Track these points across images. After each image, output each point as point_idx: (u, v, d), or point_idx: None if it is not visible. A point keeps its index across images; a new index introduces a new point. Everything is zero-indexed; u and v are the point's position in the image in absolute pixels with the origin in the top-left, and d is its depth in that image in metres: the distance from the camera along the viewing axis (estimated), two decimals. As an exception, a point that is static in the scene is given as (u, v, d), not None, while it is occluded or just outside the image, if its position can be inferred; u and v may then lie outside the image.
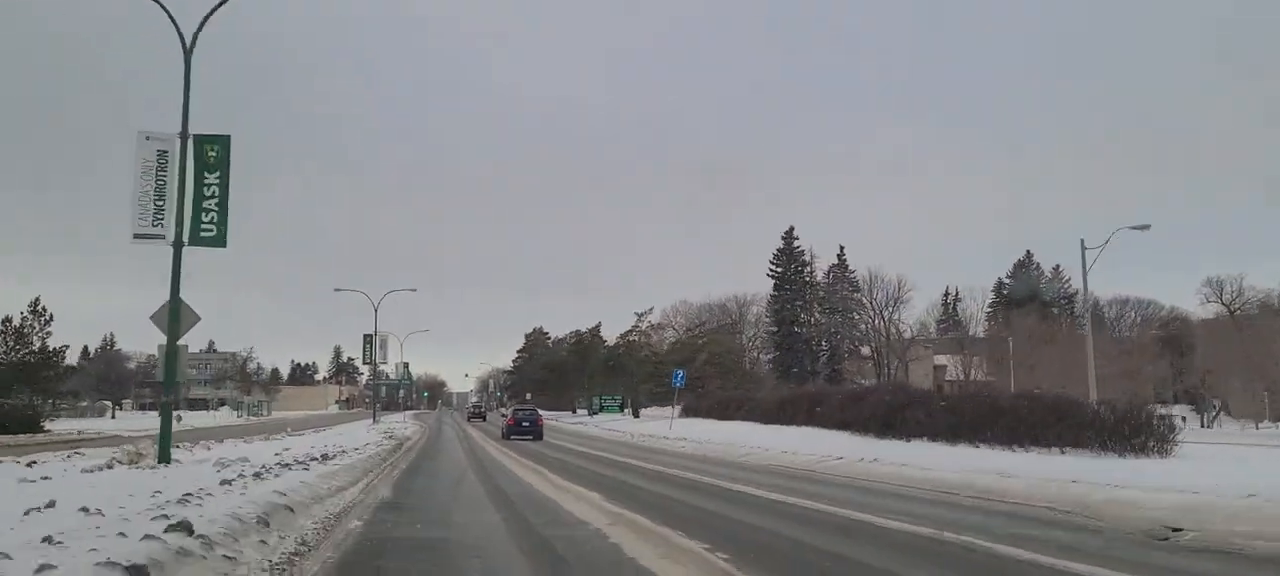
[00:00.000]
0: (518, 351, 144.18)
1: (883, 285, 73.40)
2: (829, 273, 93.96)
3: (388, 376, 73.89)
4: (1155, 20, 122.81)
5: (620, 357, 68.46)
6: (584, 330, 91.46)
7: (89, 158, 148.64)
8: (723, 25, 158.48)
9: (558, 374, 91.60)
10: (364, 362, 62.13)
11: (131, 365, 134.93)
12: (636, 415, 66.67)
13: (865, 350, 78.79)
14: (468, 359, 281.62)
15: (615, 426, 53.49)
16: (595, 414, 73.45)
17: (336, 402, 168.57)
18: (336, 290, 61.95)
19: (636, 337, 69.41)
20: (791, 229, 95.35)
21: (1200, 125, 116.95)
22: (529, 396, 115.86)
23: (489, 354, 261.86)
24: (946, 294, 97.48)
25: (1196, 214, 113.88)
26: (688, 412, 47.55)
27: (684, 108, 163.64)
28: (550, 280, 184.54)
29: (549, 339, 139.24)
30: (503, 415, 61.94)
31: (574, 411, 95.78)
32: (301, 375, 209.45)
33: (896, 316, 74.46)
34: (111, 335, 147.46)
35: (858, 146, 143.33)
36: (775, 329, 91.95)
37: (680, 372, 43.95)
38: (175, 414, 77.08)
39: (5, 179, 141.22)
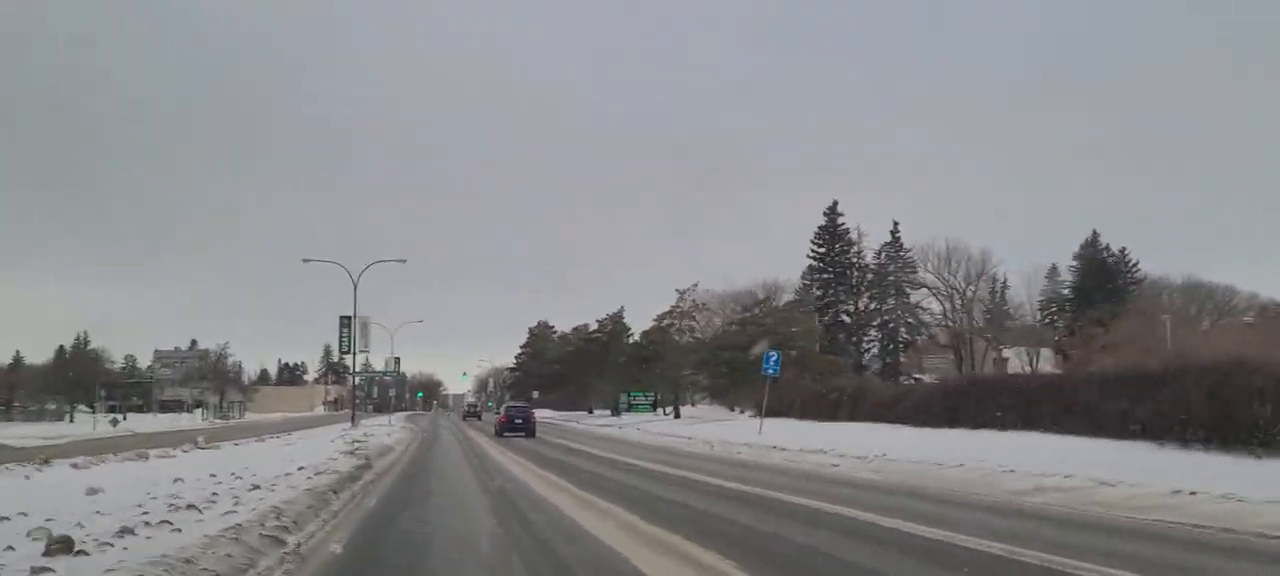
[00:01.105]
0: (521, 347, 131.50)
1: (965, 259, 60.60)
2: (880, 252, 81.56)
3: (374, 370, 61.18)
4: (1158, 20, 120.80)
5: (654, 346, 55.53)
6: (605, 316, 78.54)
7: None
8: (710, 25, 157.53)
9: (575, 367, 78.58)
10: (341, 351, 49.53)
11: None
12: (677, 415, 53.94)
13: (937, 336, 66.12)
14: (465, 358, 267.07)
15: (661, 430, 40.83)
16: (621, 414, 60.93)
17: (324, 403, 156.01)
18: (305, 261, 49.53)
19: (675, 321, 56.23)
20: (835, 204, 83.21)
21: (1200, 125, 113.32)
22: (536, 395, 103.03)
23: (487, 352, 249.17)
24: (995, 282, 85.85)
25: (1196, 214, 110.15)
26: (768, 412, 34.92)
27: (672, 108, 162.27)
28: (541, 279, 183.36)
29: (555, 333, 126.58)
30: (497, 413, 59.10)
31: (591, 411, 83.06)
32: (291, 376, 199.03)
33: (980, 295, 61.85)
34: (84, 333, 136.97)
35: (848, 146, 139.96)
36: (817, 316, 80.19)
37: (774, 355, 31.12)
38: (114, 417, 63.81)
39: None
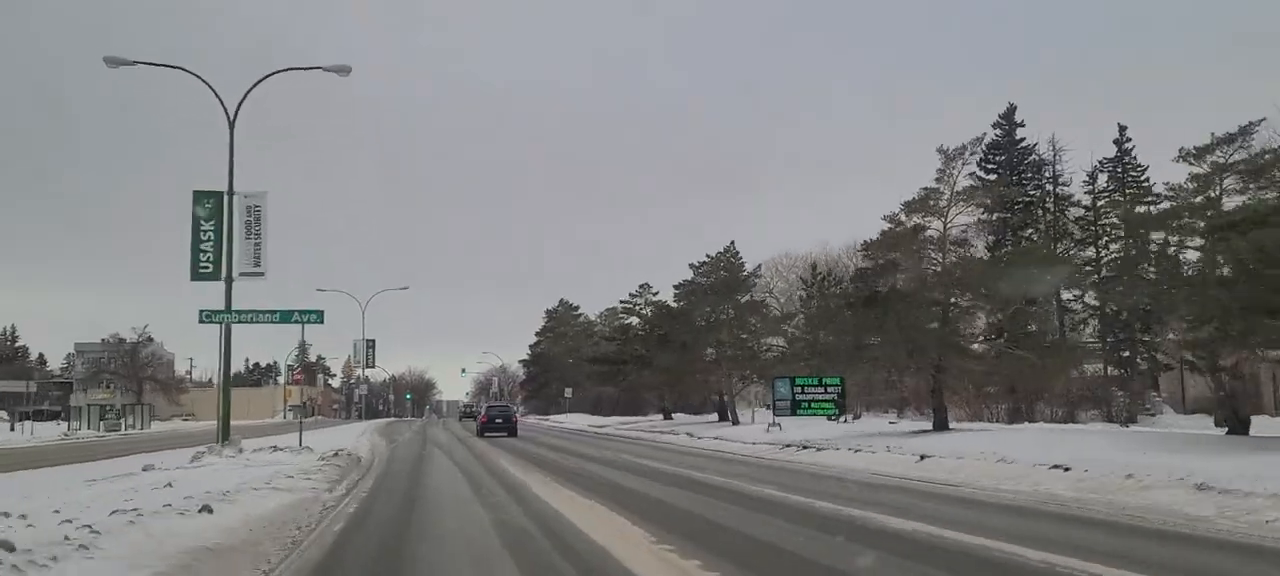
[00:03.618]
0: (537, 333, 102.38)
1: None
2: (1094, 174, 52.35)
3: (277, 311, 32.02)
4: (1165, 19, 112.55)
5: (886, 278, 25.39)
6: (707, 257, 48.81)
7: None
8: (716, 22, 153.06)
9: (649, 346, 48.87)
10: (197, 274, 20.61)
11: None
12: (944, 426, 24.91)
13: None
14: (463, 357, 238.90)
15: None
16: (773, 419, 32.24)
17: (291, 407, 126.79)
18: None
19: (933, 217, 25.28)
20: (1012, 110, 54.12)
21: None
22: (569, 394, 74.23)
23: (490, 347, 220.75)
24: None
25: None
26: None
27: (673, 107, 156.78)
28: (542, 280, 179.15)
29: (579, 314, 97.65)
30: (477, 413, 57.13)
31: (667, 416, 53.90)
32: (263, 376, 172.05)
33: None
34: (11, 327, 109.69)
35: (854, 143, 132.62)
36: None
37: None
38: None
39: None
